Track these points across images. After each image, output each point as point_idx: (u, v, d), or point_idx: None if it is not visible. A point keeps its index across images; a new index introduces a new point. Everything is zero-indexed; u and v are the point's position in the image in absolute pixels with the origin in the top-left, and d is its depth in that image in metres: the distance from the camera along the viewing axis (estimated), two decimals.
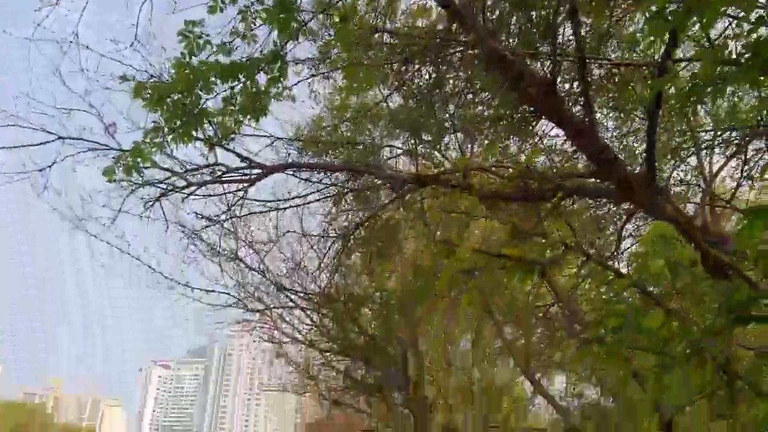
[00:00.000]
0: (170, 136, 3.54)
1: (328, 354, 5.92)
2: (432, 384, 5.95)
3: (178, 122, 3.45)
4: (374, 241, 6.18)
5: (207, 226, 4.32)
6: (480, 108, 6.33)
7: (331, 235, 4.91)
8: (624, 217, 4.87)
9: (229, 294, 5.38)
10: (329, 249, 5.10)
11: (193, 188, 3.74)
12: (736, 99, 6.34)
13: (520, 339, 5.58)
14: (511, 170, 4.27)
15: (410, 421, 6.68)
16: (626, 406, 11.27)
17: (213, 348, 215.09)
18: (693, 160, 6.63)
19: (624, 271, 5.39)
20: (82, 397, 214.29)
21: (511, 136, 5.57)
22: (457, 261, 3.29)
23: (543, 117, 3.86)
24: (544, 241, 2.10)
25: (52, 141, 4.26)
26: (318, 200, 4.19)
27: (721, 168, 5.33)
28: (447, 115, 6.10)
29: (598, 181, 3.33)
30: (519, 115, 5.13)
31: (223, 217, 4.26)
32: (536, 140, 5.29)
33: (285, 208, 4.19)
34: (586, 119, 2.76)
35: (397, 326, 5.31)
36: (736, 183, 4.36)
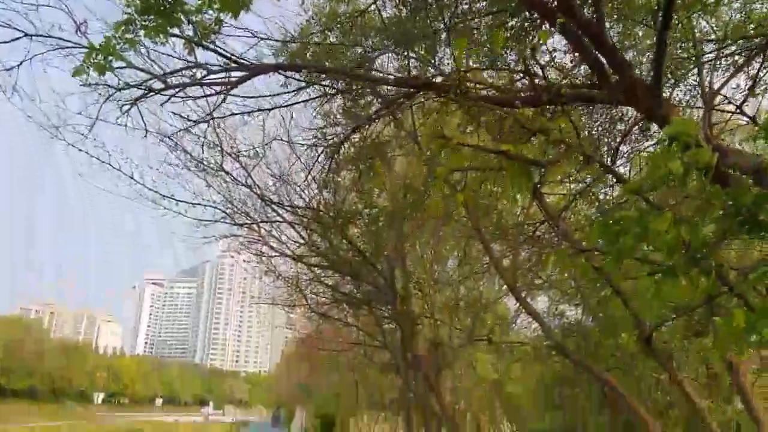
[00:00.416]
0: (144, 32, 3.28)
1: (316, 269, 5.95)
2: (419, 299, 6.04)
3: (153, 15, 3.18)
4: (363, 158, 6.04)
5: (187, 128, 4.13)
6: (477, 20, 6.01)
7: (319, 144, 4.76)
8: (624, 126, 4.74)
9: (215, 207, 5.27)
10: (317, 160, 4.96)
11: (171, 91, 3.53)
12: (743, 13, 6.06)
13: (507, 256, 5.60)
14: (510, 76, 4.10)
15: (397, 335, 6.84)
16: (607, 323, 11.70)
17: (204, 267, 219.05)
18: (693, 81, 6.43)
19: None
20: (77, 312, 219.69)
21: (509, 48, 5.31)
22: (452, 166, 3.16)
23: (545, 22, 3.61)
24: (544, 138, 1.98)
25: (19, 38, 3.95)
26: (306, 101, 4.00)
27: (722, 85, 5.14)
28: (442, 26, 5.79)
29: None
30: (518, 23, 4.86)
31: (205, 118, 4.06)
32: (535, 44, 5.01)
33: (270, 109, 3.99)
34: (594, 17, 2.56)
35: (386, 242, 5.29)
36: (743, 96, 4.21)
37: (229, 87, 3.68)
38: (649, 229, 1.42)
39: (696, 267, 1.44)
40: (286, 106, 3.99)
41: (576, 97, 2.46)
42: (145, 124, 3.92)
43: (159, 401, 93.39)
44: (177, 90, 3.58)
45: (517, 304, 9.97)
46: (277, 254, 5.18)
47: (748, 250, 6.28)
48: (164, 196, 4.90)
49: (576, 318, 21.26)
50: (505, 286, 6.11)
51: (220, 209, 5.30)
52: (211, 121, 4.79)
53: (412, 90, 3.61)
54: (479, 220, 6.04)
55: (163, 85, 3.49)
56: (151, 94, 3.48)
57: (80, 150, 4.76)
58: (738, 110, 3.88)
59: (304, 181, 5.23)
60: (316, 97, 4.03)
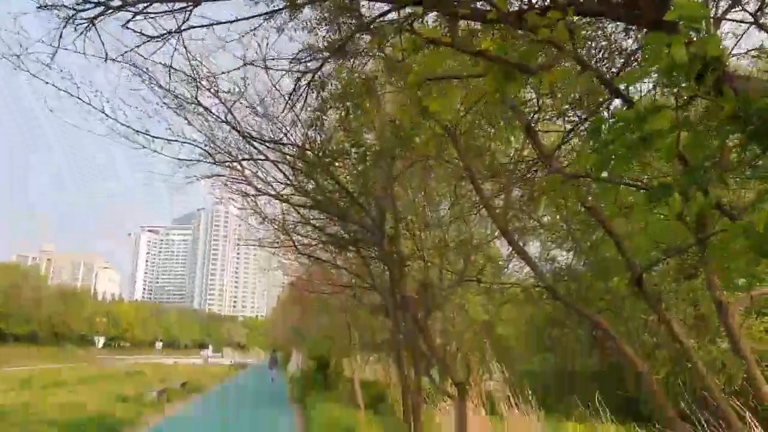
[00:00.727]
0: None
1: (302, 209, 5.80)
2: (408, 240, 5.94)
3: None
4: (350, 95, 5.78)
5: (148, 41, 3.81)
6: None
7: (297, 71, 4.49)
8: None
9: (193, 144, 5.03)
10: (300, 93, 4.69)
11: (134, 7, 3.24)
12: None
13: (498, 196, 5.46)
14: None
15: (386, 277, 6.80)
16: (599, 266, 11.76)
17: (199, 215, 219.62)
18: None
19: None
20: (74, 260, 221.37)
21: None
22: (427, 70, 2.94)
23: None
24: (533, 37, 1.75)
25: None
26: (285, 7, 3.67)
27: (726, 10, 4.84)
28: None
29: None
30: None
31: (168, 33, 3.76)
32: None
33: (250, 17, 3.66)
34: None
35: (374, 182, 5.15)
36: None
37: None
38: (645, 131, 1.26)
39: (695, 183, 1.29)
40: (269, 14, 3.68)
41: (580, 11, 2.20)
42: (105, 47, 3.66)
43: (159, 345, 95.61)
44: (141, 6, 3.28)
45: (509, 248, 9.89)
46: (262, 194, 5.01)
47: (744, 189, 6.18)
48: (138, 131, 4.67)
49: (567, 263, 21.40)
50: (497, 230, 5.99)
51: (198, 146, 5.08)
52: (183, 50, 4.52)
53: (394, 5, 3.33)
54: (470, 159, 5.84)
55: (121, 2, 3.20)
56: (109, 11, 3.19)
57: (46, 82, 4.49)
58: (754, 22, 3.61)
59: (283, 112, 4.99)
60: (284, 7, 3.70)
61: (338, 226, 5.47)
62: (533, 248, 21.03)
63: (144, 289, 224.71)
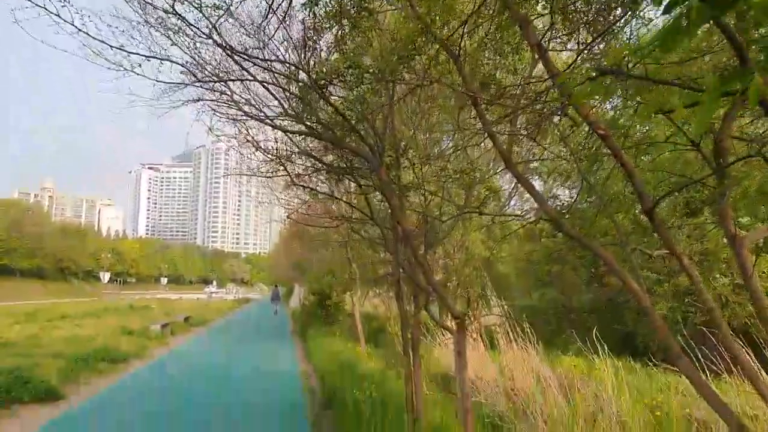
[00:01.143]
0: None
1: (297, 137, 5.46)
2: (407, 169, 5.64)
3: None
4: (347, 13, 5.29)
5: None
6: None
7: None
8: None
9: (176, 63, 4.61)
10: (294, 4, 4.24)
11: None
12: None
13: (504, 121, 5.09)
14: None
15: (384, 206, 6.53)
16: (605, 201, 11.46)
17: (199, 152, 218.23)
18: None
19: None
20: (76, 197, 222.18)
21: None
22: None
23: None
24: None
25: None
26: None
27: None
28: None
29: None
30: None
31: None
32: None
33: None
34: None
35: (372, 107, 4.78)
36: None
37: None
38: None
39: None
40: None
41: None
42: None
43: (164, 280, 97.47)
44: None
45: (513, 183, 9.52)
46: (251, 118, 4.65)
47: None
48: (113, 47, 4.26)
49: (570, 199, 21.10)
50: (500, 161, 5.64)
51: (180, 64, 4.67)
52: None
53: None
54: (475, 84, 5.42)
55: None
56: None
57: None
58: None
59: (274, 34, 4.56)
60: None
61: (334, 154, 5.14)
62: (537, 186, 20.65)
63: (147, 226, 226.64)
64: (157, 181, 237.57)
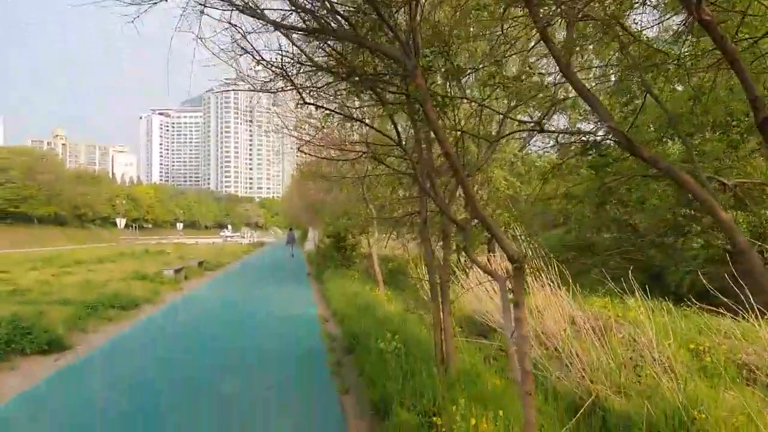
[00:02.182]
0: None
1: (307, 44, 4.50)
2: (443, 75, 4.61)
3: None
4: None
5: None
6: None
7: None
8: None
9: None
10: None
11: None
12: None
13: (560, 24, 4.07)
14: None
15: (411, 132, 5.62)
16: (673, 119, 10.33)
17: (209, 97, 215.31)
18: None
19: None
20: (89, 144, 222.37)
21: None
22: None
23: None
24: None
25: None
26: None
27: None
28: None
29: None
30: None
31: None
32: None
33: None
34: None
35: None
36: None
37: None
38: None
39: None
40: None
41: None
42: None
43: (180, 225, 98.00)
44: None
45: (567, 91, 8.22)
46: (245, 12, 3.68)
47: None
48: None
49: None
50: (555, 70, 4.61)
51: None
52: None
53: None
54: None
55: None
56: None
57: None
58: None
59: None
60: None
61: (352, 61, 4.18)
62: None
63: (161, 172, 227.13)
64: (168, 126, 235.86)
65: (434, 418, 5.08)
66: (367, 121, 6.06)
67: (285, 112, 10.55)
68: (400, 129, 6.13)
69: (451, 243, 6.81)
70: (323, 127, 6.42)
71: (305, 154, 6.79)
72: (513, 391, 6.56)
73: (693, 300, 10.25)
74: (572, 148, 21.76)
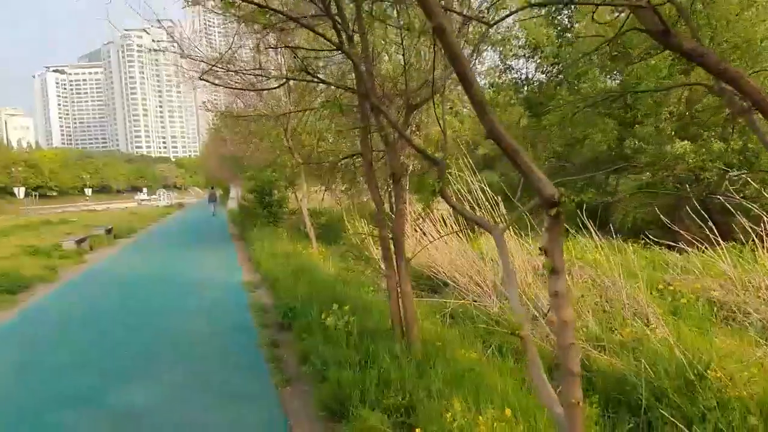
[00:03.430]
0: None
1: None
2: None
3: None
4: None
5: None
6: None
7: None
8: None
9: None
10: None
11: None
12: None
13: None
14: None
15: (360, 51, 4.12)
16: None
17: (108, 50, 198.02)
18: None
19: None
20: None
21: None
22: None
23: None
24: None
25: None
26: None
27: None
28: None
29: None
30: None
31: None
32: None
33: None
34: None
35: None
36: None
37: None
38: None
39: None
40: None
41: None
42: None
43: (89, 191, 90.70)
44: None
45: None
46: None
47: None
48: None
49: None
50: None
51: None
52: None
53: None
54: None
55: None
56: None
57: None
58: None
59: None
60: None
61: None
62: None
63: (63, 135, 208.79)
64: (65, 85, 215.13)
65: (407, 418, 3.87)
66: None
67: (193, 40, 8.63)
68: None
69: (405, 187, 5.49)
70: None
71: (209, 82, 5.16)
72: (490, 365, 5.48)
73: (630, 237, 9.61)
74: (504, 84, 20.72)
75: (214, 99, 13.47)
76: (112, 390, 5.13)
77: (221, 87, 12.64)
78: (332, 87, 5.90)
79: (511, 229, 10.05)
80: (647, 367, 5.16)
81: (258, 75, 4.51)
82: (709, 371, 5.05)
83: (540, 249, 2.20)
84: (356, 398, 4.05)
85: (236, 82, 6.06)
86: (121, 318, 8.20)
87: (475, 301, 8.34)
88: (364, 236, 9.57)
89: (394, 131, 5.55)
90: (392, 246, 5.50)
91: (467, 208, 10.32)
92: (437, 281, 9.99)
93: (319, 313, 5.68)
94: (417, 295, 9.13)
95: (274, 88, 6.38)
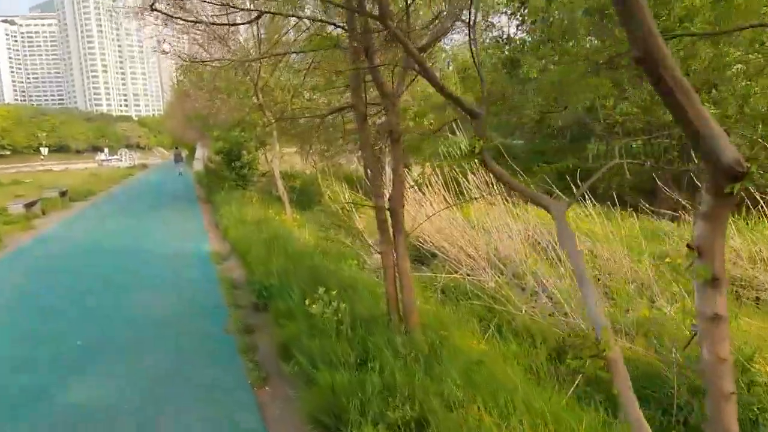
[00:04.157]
0: None
1: None
2: None
3: None
4: None
5: None
6: None
7: None
8: None
9: None
10: None
11: None
12: None
13: None
14: None
15: None
16: None
17: (62, 2, 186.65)
18: None
19: None
20: None
21: None
22: None
23: None
24: None
25: None
26: None
27: None
28: None
29: None
30: None
31: None
32: None
33: None
34: None
35: None
36: None
37: None
38: None
39: None
40: None
41: None
42: None
43: (45, 150, 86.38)
44: None
45: None
46: None
47: None
48: None
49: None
50: None
51: None
52: None
53: None
54: None
55: None
56: None
57: None
58: None
59: None
60: None
61: None
62: None
63: (15, 90, 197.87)
64: (16, 36, 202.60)
65: None
66: None
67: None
68: None
69: (402, 149, 4.59)
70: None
71: (162, 13, 4.12)
72: (498, 355, 4.78)
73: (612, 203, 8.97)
74: (485, 42, 19.67)
75: (177, 47, 12.12)
76: (55, 390, 4.22)
77: (179, 25, 11.29)
78: (313, 26, 4.90)
79: (501, 195, 9.29)
80: (677, 355, 4.52)
81: (223, 4, 3.52)
82: (754, 363, 4.43)
83: (689, 246, 1.37)
84: (355, 409, 3.26)
85: (195, 18, 4.99)
86: (69, 298, 7.16)
87: (469, 275, 7.61)
88: (346, 205, 8.67)
89: (393, 80, 4.62)
90: (389, 217, 4.66)
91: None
92: (424, 252, 9.22)
93: (302, 295, 4.83)
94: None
95: (245, 23, 5.30)
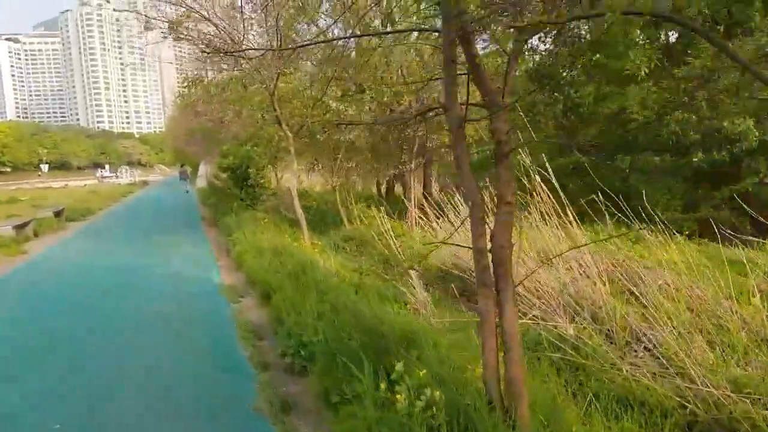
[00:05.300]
0: None
1: None
2: None
3: None
4: None
5: None
6: None
7: None
8: None
9: None
10: None
11: None
12: None
13: None
14: None
15: None
16: None
17: (66, 19, 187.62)
18: None
19: None
20: None
21: None
22: None
23: None
24: None
25: None
26: None
27: None
28: None
29: None
30: None
31: None
32: None
33: None
34: None
35: None
36: None
37: None
38: None
39: None
40: None
41: None
42: None
43: (45, 167, 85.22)
44: None
45: None
46: None
47: None
48: None
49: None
50: None
51: None
52: None
53: None
54: None
55: None
56: None
57: None
58: None
59: None
60: None
61: None
62: None
63: (17, 108, 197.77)
64: (20, 54, 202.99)
65: None
66: None
67: None
68: None
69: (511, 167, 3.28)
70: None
71: (180, 38, 3.01)
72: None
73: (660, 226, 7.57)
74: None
75: (184, 58, 10.89)
76: None
77: (190, 47, 10.11)
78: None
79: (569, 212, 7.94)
80: None
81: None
82: None
83: None
84: None
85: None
86: (50, 351, 5.74)
87: (543, 320, 6.23)
88: (385, 232, 7.29)
89: (509, 68, 3.31)
90: (490, 263, 3.32)
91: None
92: (471, 283, 7.82)
93: (374, 371, 3.45)
94: (446, 300, 7.02)
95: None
